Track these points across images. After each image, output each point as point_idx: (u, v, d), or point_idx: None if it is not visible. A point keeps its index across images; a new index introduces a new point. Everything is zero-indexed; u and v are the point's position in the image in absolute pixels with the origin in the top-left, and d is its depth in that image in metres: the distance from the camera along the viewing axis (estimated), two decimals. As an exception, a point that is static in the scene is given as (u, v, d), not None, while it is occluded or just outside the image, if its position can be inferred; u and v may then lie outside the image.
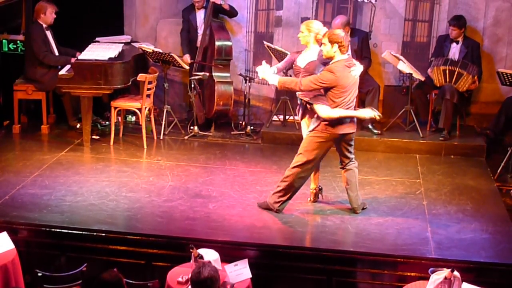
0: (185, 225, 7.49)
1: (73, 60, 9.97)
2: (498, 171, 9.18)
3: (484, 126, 10.39)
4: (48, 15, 10.14)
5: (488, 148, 9.89)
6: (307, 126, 7.89)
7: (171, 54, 10.09)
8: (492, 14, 10.60)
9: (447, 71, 9.79)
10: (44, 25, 10.14)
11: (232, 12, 10.73)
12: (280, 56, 10.09)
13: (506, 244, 7.27)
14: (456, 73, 9.75)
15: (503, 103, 10.10)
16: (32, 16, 10.29)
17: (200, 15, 10.74)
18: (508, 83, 9.18)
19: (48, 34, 10.22)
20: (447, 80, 9.84)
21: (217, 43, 10.49)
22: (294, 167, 7.69)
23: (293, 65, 7.88)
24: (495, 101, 10.51)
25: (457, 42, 10.19)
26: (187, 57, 10.63)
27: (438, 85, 9.96)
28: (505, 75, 9.12)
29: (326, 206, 8.00)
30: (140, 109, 9.86)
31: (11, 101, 10.24)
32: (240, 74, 10.61)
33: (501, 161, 9.22)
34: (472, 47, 10.20)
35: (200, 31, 10.73)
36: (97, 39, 10.70)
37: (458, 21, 10.15)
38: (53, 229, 7.35)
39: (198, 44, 10.76)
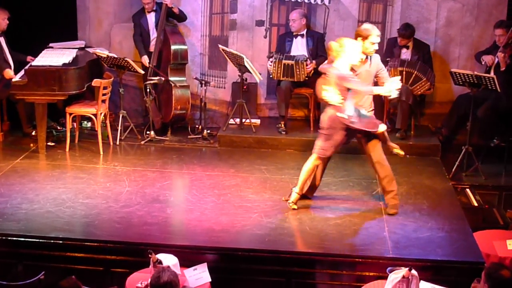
0: (143, 230, 7.46)
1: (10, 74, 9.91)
2: (453, 170, 9.29)
3: (438, 126, 10.52)
4: (0, 21, 10.04)
5: (442, 147, 10.00)
6: None
7: (125, 59, 10.04)
8: (444, 15, 10.73)
9: (404, 72, 9.88)
10: (-3, 31, 10.08)
11: (181, 17, 10.71)
12: (236, 59, 10.10)
13: (462, 242, 7.35)
14: (414, 75, 9.84)
15: (455, 102, 10.24)
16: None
17: (151, 18, 10.72)
18: (461, 83, 9.29)
19: (2, 40, 10.11)
20: (403, 81, 9.93)
21: (173, 47, 10.47)
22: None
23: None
24: (448, 101, 10.63)
25: (407, 47, 10.31)
26: (145, 59, 10.61)
27: None
28: (458, 75, 9.22)
29: (284, 208, 8.01)
30: (95, 115, 9.80)
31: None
32: (196, 78, 10.61)
33: (456, 160, 9.33)
34: (422, 50, 10.32)
35: (153, 35, 10.71)
36: (50, 45, 10.61)
37: (406, 31, 10.24)
38: (9, 238, 7.25)
39: (151, 49, 10.73)
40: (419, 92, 9.95)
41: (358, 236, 7.45)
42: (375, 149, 7.91)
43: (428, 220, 7.84)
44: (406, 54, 10.32)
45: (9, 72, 9.94)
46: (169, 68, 10.52)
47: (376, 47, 7.84)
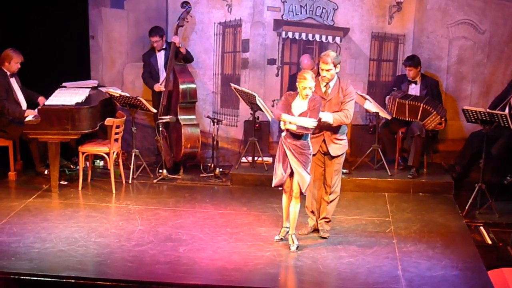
0: (155, 269, 7.43)
1: (26, 113, 9.90)
2: (466, 207, 9.24)
3: (451, 163, 10.49)
4: (13, 64, 10.12)
5: (455, 185, 9.96)
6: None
7: (138, 98, 10.09)
8: (456, 53, 10.76)
9: (407, 106, 9.90)
10: (8, 73, 10.13)
11: (187, 57, 10.75)
12: (247, 97, 10.14)
13: (476, 281, 7.29)
14: (421, 109, 9.85)
15: (467, 139, 10.22)
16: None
17: (160, 57, 10.79)
18: (473, 120, 9.29)
19: (13, 81, 10.18)
20: (407, 114, 9.94)
21: (181, 86, 10.50)
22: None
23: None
24: (461, 138, 10.63)
25: (416, 83, 10.32)
26: (158, 85, 10.64)
27: (394, 116, 10.06)
28: (470, 112, 9.22)
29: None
30: (108, 154, 9.82)
31: (-23, 149, 10.18)
32: (208, 117, 10.63)
33: (469, 198, 9.29)
34: (431, 86, 10.33)
35: (162, 74, 10.76)
36: (63, 84, 10.68)
37: (412, 60, 10.28)
38: (22, 277, 7.24)
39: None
40: (431, 127, 9.94)
41: (372, 274, 7.40)
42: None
43: (441, 258, 7.79)
44: (414, 89, 10.33)
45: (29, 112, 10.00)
46: (179, 107, 10.55)
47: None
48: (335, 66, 8.00)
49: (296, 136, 7.70)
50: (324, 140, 8.07)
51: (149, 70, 10.86)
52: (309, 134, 7.76)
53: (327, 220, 8.34)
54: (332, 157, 8.12)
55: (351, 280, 7.27)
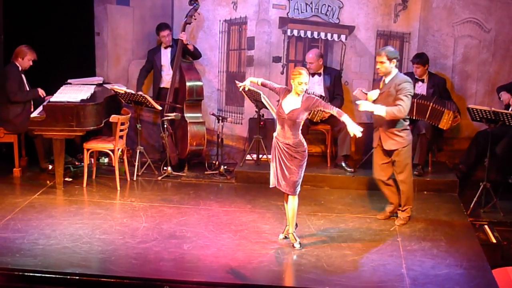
0: (159, 266, 7.44)
1: (40, 92, 10.00)
2: (471, 206, 9.23)
3: (456, 162, 10.48)
4: (26, 61, 10.17)
5: (460, 183, 9.95)
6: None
7: (143, 95, 10.09)
8: (461, 51, 10.75)
9: (415, 105, 9.86)
10: (20, 68, 10.16)
11: (195, 54, 10.76)
12: (252, 95, 10.14)
13: (480, 279, 7.28)
14: (430, 108, 9.82)
15: (474, 138, 10.20)
16: (5, 58, 10.28)
17: (166, 54, 10.80)
18: (478, 119, 9.27)
19: (23, 77, 10.22)
20: (414, 113, 9.90)
21: (188, 84, 10.51)
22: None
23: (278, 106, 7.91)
24: (466, 137, 10.62)
25: (423, 81, 10.30)
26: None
27: None
28: (475, 111, 9.20)
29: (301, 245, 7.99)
30: (113, 151, 9.83)
31: (-18, 145, 10.20)
32: (213, 114, 10.64)
33: (474, 196, 9.28)
34: (438, 84, 10.30)
35: (165, 71, 10.77)
36: (69, 81, 10.68)
37: (421, 58, 10.26)
38: (26, 273, 7.25)
39: (162, 85, 10.81)
40: (448, 125, 9.84)
41: (376, 273, 7.39)
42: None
43: (446, 257, 7.78)
44: (421, 87, 10.31)
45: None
46: (185, 105, 10.56)
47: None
48: (389, 60, 8.30)
49: (288, 135, 7.69)
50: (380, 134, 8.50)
51: (150, 67, 10.87)
52: (299, 131, 7.77)
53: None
54: (389, 152, 8.48)
55: (355, 278, 7.27)
